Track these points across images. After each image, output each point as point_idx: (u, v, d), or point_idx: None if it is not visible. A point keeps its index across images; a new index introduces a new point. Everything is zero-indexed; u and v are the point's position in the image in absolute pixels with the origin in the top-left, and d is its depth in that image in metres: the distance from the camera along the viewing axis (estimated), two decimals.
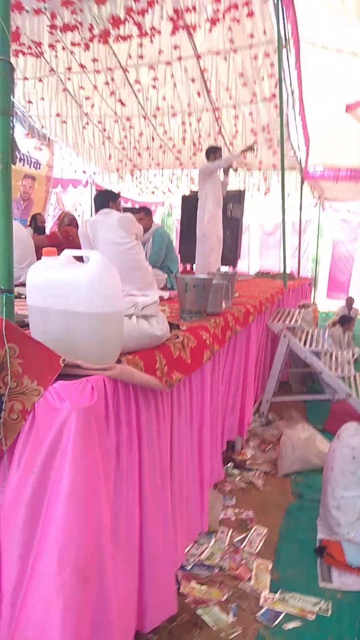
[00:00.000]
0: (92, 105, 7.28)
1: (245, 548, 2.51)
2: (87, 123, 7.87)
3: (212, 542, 2.53)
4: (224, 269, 5.82)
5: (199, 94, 6.81)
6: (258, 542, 2.58)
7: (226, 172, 5.16)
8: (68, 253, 1.44)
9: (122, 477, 1.47)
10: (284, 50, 5.23)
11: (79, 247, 3.29)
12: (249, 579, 2.27)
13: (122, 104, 7.23)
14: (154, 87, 6.67)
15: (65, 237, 4.83)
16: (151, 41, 5.50)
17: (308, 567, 2.39)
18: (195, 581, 2.22)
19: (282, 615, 2.04)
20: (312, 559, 2.45)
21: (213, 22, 4.97)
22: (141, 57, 5.97)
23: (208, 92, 6.87)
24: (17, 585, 1.27)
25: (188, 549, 2.43)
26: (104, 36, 5.09)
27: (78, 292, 1.35)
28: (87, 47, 5.48)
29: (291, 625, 1.99)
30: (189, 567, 2.31)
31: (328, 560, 2.41)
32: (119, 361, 1.50)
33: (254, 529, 2.69)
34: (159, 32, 5.16)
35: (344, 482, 2.50)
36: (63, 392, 1.23)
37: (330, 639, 1.93)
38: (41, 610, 1.24)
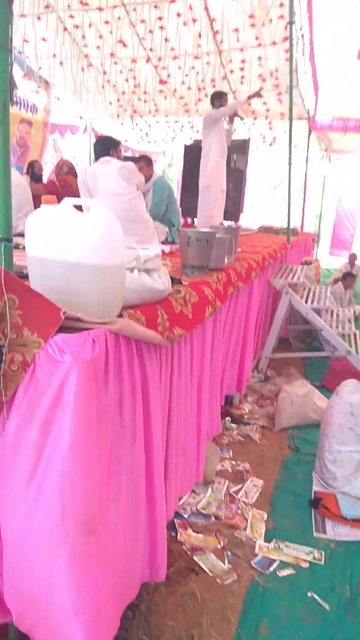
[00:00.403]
0: (98, 47, 6.88)
1: (241, 498, 2.57)
2: (90, 65, 7.48)
3: (209, 492, 2.59)
4: (226, 223, 5.70)
5: (199, 36, 6.42)
6: (254, 493, 2.64)
7: (231, 119, 4.94)
8: (69, 202, 1.37)
9: (124, 430, 1.47)
10: None
11: (77, 196, 3.18)
12: (245, 528, 2.34)
13: (124, 44, 6.84)
14: (161, 27, 6.27)
15: (63, 185, 4.69)
16: None
17: (303, 518, 2.46)
18: (192, 529, 2.29)
19: (277, 562, 2.11)
20: (307, 511, 2.52)
21: None
22: None
23: (215, 33, 6.49)
24: (19, 534, 1.29)
25: (185, 498, 2.49)
26: None
27: (80, 244, 1.29)
28: None
29: (285, 572, 2.06)
30: (186, 516, 2.37)
31: (323, 512, 2.47)
32: (120, 315, 1.47)
33: (250, 480, 2.75)
34: None
35: (342, 437, 2.53)
36: (64, 345, 1.20)
37: (322, 585, 2.01)
38: (45, 560, 1.27)
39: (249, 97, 4.79)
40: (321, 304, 4.43)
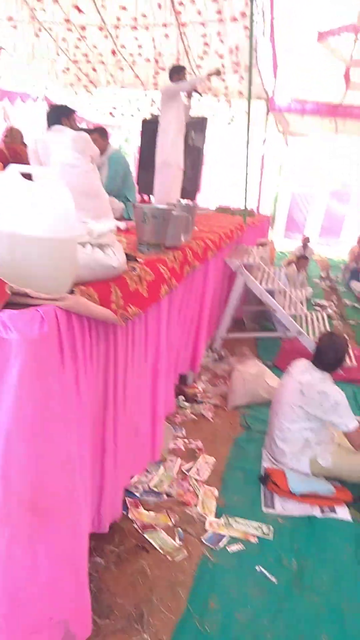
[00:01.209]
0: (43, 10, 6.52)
1: (193, 476, 2.60)
2: (40, 30, 7.09)
3: (161, 470, 2.60)
4: (184, 201, 5.63)
5: (159, 6, 6.22)
6: (206, 470, 2.67)
7: (189, 95, 4.84)
8: (15, 168, 1.29)
9: (84, 409, 1.43)
10: None
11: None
12: (196, 505, 2.37)
13: (79, 10, 6.52)
14: None
15: (13, 154, 4.47)
16: None
17: (252, 494, 2.52)
18: (143, 507, 2.29)
19: (226, 538, 2.15)
20: (257, 487, 2.57)
21: None
22: None
23: (173, 4, 6.29)
24: None
25: (137, 477, 2.49)
26: None
27: (27, 214, 1.22)
28: None
29: (234, 547, 2.10)
30: (137, 494, 2.37)
31: (271, 488, 2.53)
32: (71, 292, 1.41)
33: (202, 457, 2.78)
34: None
35: (292, 415, 2.59)
36: (10, 321, 1.13)
37: (270, 559, 2.06)
38: None
39: (209, 75, 4.69)
40: (275, 285, 4.49)
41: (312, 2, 6.31)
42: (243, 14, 5.97)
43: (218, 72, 4.74)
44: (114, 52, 7.39)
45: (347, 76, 7.27)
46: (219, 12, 6.14)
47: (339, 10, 6.26)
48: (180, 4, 6.22)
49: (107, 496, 1.79)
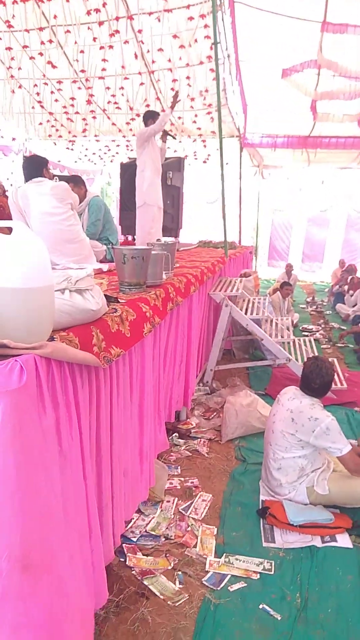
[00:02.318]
0: (20, 68, 6.79)
1: (190, 515, 2.56)
2: (20, 86, 7.36)
3: (158, 512, 2.55)
4: (166, 239, 5.74)
5: (135, 56, 6.51)
6: (203, 508, 2.63)
7: (164, 138, 5.02)
8: None
9: (65, 457, 1.42)
10: (219, 11, 5.07)
11: (10, 218, 3.10)
12: (195, 545, 2.32)
13: (53, 66, 6.80)
14: (81, 51, 6.29)
15: None
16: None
17: (251, 529, 2.47)
18: (141, 552, 2.24)
19: (228, 577, 2.10)
20: (256, 521, 2.53)
21: None
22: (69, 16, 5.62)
23: (143, 54, 6.59)
24: None
25: (134, 521, 2.44)
26: None
27: (2, 266, 1.25)
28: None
29: (236, 586, 2.05)
30: (134, 539, 2.32)
31: (270, 521, 2.49)
32: (51, 338, 1.42)
33: (199, 495, 2.74)
34: None
35: (284, 444, 2.58)
36: None
37: (273, 596, 2.01)
38: None
39: (172, 107, 4.82)
40: (260, 314, 4.54)
41: (273, 42, 6.61)
42: (209, 57, 6.26)
43: (176, 96, 4.85)
44: (89, 102, 7.66)
45: (313, 108, 7.58)
46: (184, 58, 6.43)
47: (299, 48, 6.58)
48: (148, 51, 6.52)
49: (94, 542, 1.74)
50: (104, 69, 6.76)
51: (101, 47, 6.23)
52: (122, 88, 7.19)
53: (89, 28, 5.98)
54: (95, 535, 1.64)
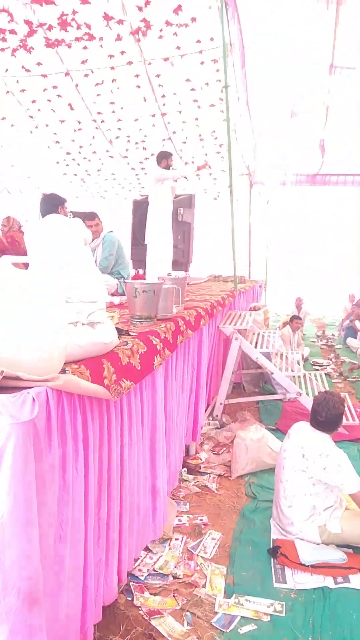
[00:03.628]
0: (39, 110, 7.11)
1: (199, 554, 2.50)
2: (37, 127, 7.68)
3: (166, 550, 2.50)
4: (177, 273, 5.83)
5: (145, 100, 6.79)
6: (212, 547, 2.57)
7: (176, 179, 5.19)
8: (6, 260, 1.38)
9: (67, 492, 1.42)
10: (230, 56, 5.31)
11: (25, 253, 3.19)
12: (204, 585, 2.27)
13: (71, 108, 7.11)
14: (112, 91, 6.58)
15: (10, 242, 4.69)
16: (101, 46, 5.46)
17: (262, 568, 2.41)
18: (149, 591, 2.19)
19: (237, 619, 2.04)
20: (266, 560, 2.47)
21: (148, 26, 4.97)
22: (84, 62, 5.92)
23: (156, 98, 6.88)
24: None
25: (141, 558, 2.40)
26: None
27: (17, 301, 1.29)
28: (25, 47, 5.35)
29: (246, 628, 1.99)
30: (142, 578, 2.27)
31: (282, 561, 2.43)
32: (63, 371, 1.45)
33: (208, 533, 2.69)
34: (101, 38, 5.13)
35: (295, 480, 2.54)
36: (1, 405, 1.17)
37: (285, 638, 1.95)
38: None
39: (198, 168, 5.04)
40: (270, 347, 4.54)
41: (282, 84, 6.87)
42: (220, 99, 6.50)
43: (205, 165, 5.14)
44: (110, 142, 7.95)
45: (322, 147, 7.79)
46: (196, 100, 6.69)
47: (307, 89, 6.82)
48: (163, 96, 6.79)
49: (97, 580, 1.71)
50: (113, 111, 7.04)
51: (97, 95, 6.51)
52: (140, 130, 7.45)
53: (87, 73, 6.25)
54: (90, 573, 1.61)
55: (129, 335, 2.22)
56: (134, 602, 2.10)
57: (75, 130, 7.78)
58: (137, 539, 2.13)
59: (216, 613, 2.08)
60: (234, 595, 2.19)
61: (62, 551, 1.39)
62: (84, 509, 1.52)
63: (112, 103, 6.93)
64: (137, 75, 6.26)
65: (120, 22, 4.65)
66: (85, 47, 5.62)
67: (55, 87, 6.55)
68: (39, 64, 5.92)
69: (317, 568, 2.35)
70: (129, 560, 2.02)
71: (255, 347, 4.34)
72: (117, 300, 3.62)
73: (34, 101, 6.94)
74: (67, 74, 6.29)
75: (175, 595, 2.17)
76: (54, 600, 1.35)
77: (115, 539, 1.82)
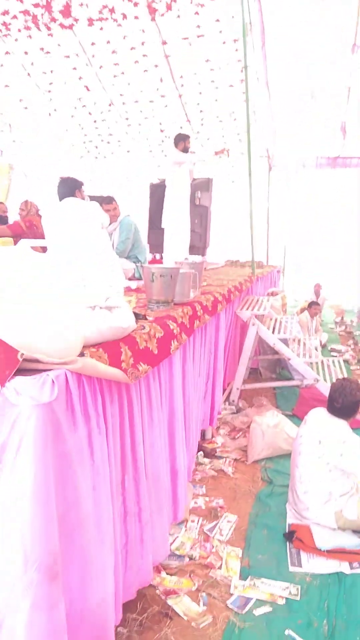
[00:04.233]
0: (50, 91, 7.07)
1: (215, 536, 2.53)
2: (55, 110, 7.65)
3: (183, 531, 2.53)
4: (194, 257, 5.79)
5: (161, 80, 6.69)
6: (228, 529, 2.60)
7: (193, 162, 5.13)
8: (25, 244, 1.38)
9: (97, 471, 1.44)
10: (249, 35, 5.19)
11: (43, 237, 3.20)
12: (220, 566, 2.29)
13: (87, 89, 7.06)
14: (123, 73, 6.52)
15: (29, 226, 4.70)
16: (119, 25, 5.39)
17: (278, 552, 2.43)
18: (165, 572, 2.22)
19: (253, 601, 2.07)
20: (282, 544, 2.49)
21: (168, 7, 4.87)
22: (108, 42, 5.84)
23: (174, 78, 6.77)
24: None
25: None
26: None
27: (35, 285, 1.30)
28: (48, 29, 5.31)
29: (261, 610, 2.01)
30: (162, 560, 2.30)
31: (297, 545, 2.44)
32: (82, 354, 1.46)
33: (224, 516, 2.71)
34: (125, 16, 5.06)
35: (311, 466, 2.54)
36: (21, 387, 1.18)
37: (299, 621, 1.96)
38: (8, 613, 1.21)
39: (216, 153, 4.97)
40: (288, 333, 4.50)
41: (304, 63, 6.69)
42: (241, 80, 6.38)
43: (223, 151, 5.07)
44: (128, 124, 7.89)
45: (343, 129, 7.60)
46: (214, 81, 6.57)
47: (330, 70, 6.65)
48: (181, 77, 6.69)
49: (132, 560, 1.75)
50: (141, 91, 6.96)
51: (122, 73, 6.42)
52: (152, 111, 7.37)
53: (113, 52, 6.18)
54: (119, 552, 1.64)
55: (146, 319, 2.22)
56: (151, 582, 2.13)
57: (90, 113, 7.74)
58: (165, 520, 2.15)
59: (232, 594, 2.11)
60: (250, 577, 2.21)
61: (87, 528, 1.41)
62: (109, 489, 1.54)
63: (129, 84, 6.85)
64: (154, 56, 6.17)
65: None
66: (101, 28, 5.55)
67: (74, 68, 6.50)
68: (59, 45, 5.87)
69: (333, 553, 2.36)
70: (163, 540, 2.04)
71: (273, 332, 4.31)
72: (134, 284, 3.62)
73: (51, 83, 6.90)
74: (77, 55, 6.22)
75: (192, 576, 2.21)
76: (80, 577, 1.38)
77: (147, 520, 1.84)
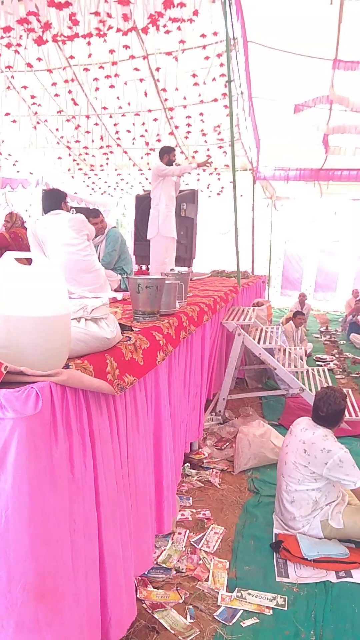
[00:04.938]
0: (38, 104, 7.09)
1: (202, 548, 2.52)
2: (38, 122, 7.67)
3: (169, 544, 2.52)
4: (180, 269, 5.82)
5: (145, 94, 6.76)
6: (215, 541, 2.59)
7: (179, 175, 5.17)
8: (10, 255, 1.38)
9: (77, 485, 1.43)
10: (233, 50, 5.28)
11: (28, 248, 3.20)
12: (207, 579, 2.28)
13: (75, 103, 7.09)
14: (111, 86, 6.56)
15: (14, 238, 4.69)
16: (105, 41, 5.44)
17: (264, 563, 2.42)
18: (152, 585, 2.21)
19: (240, 612, 2.06)
20: (269, 555, 2.48)
21: (153, 22, 4.92)
22: (90, 56, 5.89)
23: (158, 92, 6.85)
24: None
25: None
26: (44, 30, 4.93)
27: (20, 296, 1.30)
28: (39, 42, 5.34)
29: (249, 622, 2.01)
30: (145, 572, 2.28)
31: (284, 555, 2.44)
32: (67, 366, 1.46)
33: (210, 528, 2.70)
34: (105, 33, 5.11)
35: (297, 476, 2.55)
36: (5, 400, 1.17)
37: (287, 632, 1.96)
38: None
39: (199, 165, 5.03)
40: (273, 343, 4.54)
41: (286, 79, 6.82)
42: (224, 95, 6.47)
43: (207, 164, 5.16)
44: (102, 138, 7.94)
45: (325, 142, 7.74)
46: (199, 95, 6.66)
47: (311, 84, 6.77)
48: (164, 89, 6.77)
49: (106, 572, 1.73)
50: (120, 107, 7.02)
51: (111, 86, 6.47)
52: (143, 124, 7.44)
53: (100, 67, 6.24)
54: (103, 566, 1.63)
55: (132, 330, 2.22)
56: (138, 595, 2.11)
57: (76, 128, 7.77)
58: (150, 533, 2.14)
59: (219, 606, 2.09)
60: (237, 589, 2.21)
61: (76, 545, 1.40)
62: (95, 503, 1.53)
63: (117, 98, 6.90)
64: (138, 70, 6.23)
65: (126, 18, 4.61)
66: (89, 43, 5.60)
67: (55, 84, 6.53)
68: (39, 59, 5.90)
69: (320, 562, 2.37)
70: (147, 554, 2.03)
71: (259, 342, 4.34)
72: (120, 295, 3.62)
73: (33, 97, 6.92)
74: (64, 68, 6.26)
75: (178, 588, 2.19)
76: (69, 595, 1.36)
77: (131, 533, 1.83)
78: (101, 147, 8.29)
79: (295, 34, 5.59)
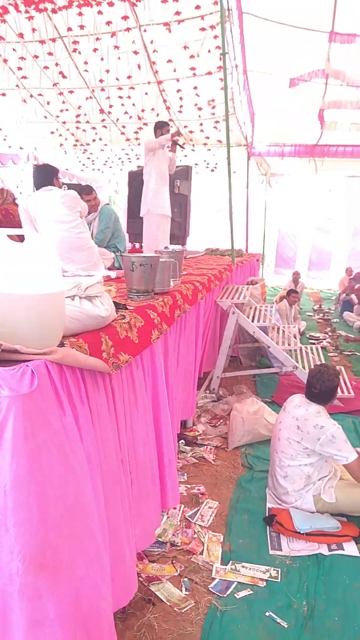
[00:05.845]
0: (24, 77, 6.89)
1: (197, 522, 2.56)
2: (31, 96, 7.47)
3: (165, 518, 2.56)
4: (174, 246, 5.78)
5: (139, 67, 6.59)
6: (209, 515, 2.63)
7: (173, 148, 5.07)
8: (1, 232, 1.36)
9: (78, 462, 1.44)
10: (228, 22, 5.14)
11: (19, 225, 3.14)
12: (201, 552, 2.33)
13: (64, 76, 6.90)
14: (102, 59, 6.39)
15: (5, 214, 4.61)
16: (99, 12, 5.28)
17: (258, 536, 2.47)
18: (148, 559, 2.25)
19: (234, 584, 2.10)
20: (262, 529, 2.53)
21: None
22: (82, 27, 5.71)
23: (152, 64, 6.67)
24: None
25: None
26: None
27: (13, 274, 1.28)
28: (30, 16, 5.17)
29: (243, 593, 2.06)
30: (148, 546, 2.32)
31: (277, 528, 2.49)
32: (62, 344, 1.45)
33: (205, 502, 2.74)
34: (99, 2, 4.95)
35: (290, 451, 2.59)
36: (0, 379, 1.17)
37: (280, 603, 2.01)
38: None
39: (172, 135, 4.90)
40: (267, 321, 4.55)
41: (281, 52, 6.67)
42: (219, 68, 6.32)
43: (179, 133, 5.07)
44: (101, 111, 7.75)
45: (321, 117, 7.63)
46: (193, 68, 6.50)
47: (307, 58, 6.63)
48: (154, 63, 6.59)
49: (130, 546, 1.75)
50: (117, 79, 6.85)
51: (101, 59, 6.31)
52: (129, 97, 7.27)
53: (97, 39, 6.07)
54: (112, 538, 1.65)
55: (127, 309, 2.21)
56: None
57: (63, 102, 7.59)
58: (152, 509, 2.16)
59: (213, 579, 2.14)
60: (231, 561, 2.25)
61: (77, 519, 1.41)
62: (100, 479, 1.54)
63: (107, 71, 6.72)
64: (133, 42, 6.06)
65: None
66: (80, 14, 5.43)
67: (50, 53, 6.35)
68: (33, 30, 5.73)
69: (312, 536, 2.42)
70: (149, 530, 2.05)
71: (253, 321, 4.35)
72: (113, 274, 3.60)
73: (20, 68, 6.73)
74: (53, 40, 6.08)
75: (174, 562, 2.23)
76: (78, 565, 1.38)
77: (132, 507, 1.85)
78: (87, 122, 8.10)
79: (291, 5, 5.45)
